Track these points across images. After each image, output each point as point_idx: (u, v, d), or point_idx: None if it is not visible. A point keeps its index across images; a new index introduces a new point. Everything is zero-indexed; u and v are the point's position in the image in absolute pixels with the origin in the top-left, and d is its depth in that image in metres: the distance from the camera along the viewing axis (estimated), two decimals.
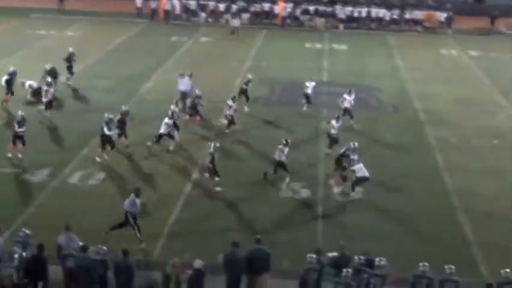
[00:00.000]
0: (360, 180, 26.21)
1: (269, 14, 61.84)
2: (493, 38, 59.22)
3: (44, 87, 33.34)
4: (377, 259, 18.54)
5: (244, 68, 44.43)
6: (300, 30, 58.85)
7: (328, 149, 29.83)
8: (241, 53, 49.03)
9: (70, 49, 39.33)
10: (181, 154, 29.70)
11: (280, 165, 27.25)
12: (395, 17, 61.87)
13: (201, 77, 37.22)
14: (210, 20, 60.67)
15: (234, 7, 61.00)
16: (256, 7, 61.97)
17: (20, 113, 28.67)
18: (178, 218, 24.09)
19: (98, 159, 28.39)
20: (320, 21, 60.21)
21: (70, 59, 38.82)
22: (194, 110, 32.87)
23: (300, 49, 51.80)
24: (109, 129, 28.38)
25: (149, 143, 29.67)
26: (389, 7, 62.80)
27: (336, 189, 26.71)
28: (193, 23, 59.51)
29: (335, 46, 53.25)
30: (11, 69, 35.31)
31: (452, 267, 18.38)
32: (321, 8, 61.57)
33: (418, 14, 62.20)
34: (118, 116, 29.52)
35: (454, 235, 23.80)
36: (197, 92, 33.46)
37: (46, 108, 33.00)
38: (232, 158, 29.53)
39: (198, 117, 32.96)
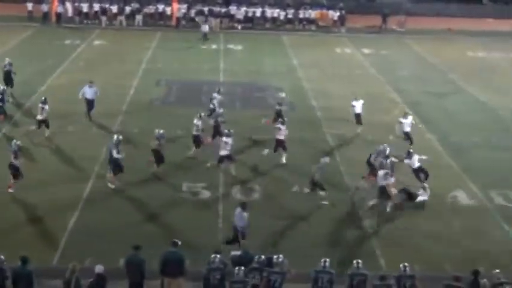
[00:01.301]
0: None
1: (163, 16, 61.43)
2: (385, 36, 60.49)
3: (40, 105, 31.13)
4: (275, 256, 18.55)
5: (140, 70, 44.01)
6: (195, 31, 58.66)
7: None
8: (136, 55, 48.50)
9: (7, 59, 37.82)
10: (80, 158, 29.15)
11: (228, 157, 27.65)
12: (290, 16, 62.48)
13: (95, 80, 36.57)
14: (107, 22, 59.82)
15: (128, 9, 60.33)
16: (150, 9, 61.47)
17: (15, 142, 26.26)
18: (77, 223, 23.56)
19: (111, 185, 26.53)
20: (214, 22, 60.17)
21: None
22: (216, 130, 30.68)
23: (195, 50, 51.67)
24: (118, 152, 26.41)
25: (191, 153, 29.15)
26: (283, 7, 63.33)
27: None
28: (87, 26, 58.65)
29: (231, 46, 53.33)
30: (2, 87, 33.79)
31: (360, 261, 18.59)
32: (216, 8, 61.53)
33: (312, 14, 62.94)
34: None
35: (354, 230, 24.07)
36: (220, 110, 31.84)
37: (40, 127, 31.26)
38: (139, 159, 29.14)
39: (209, 139, 30.68)
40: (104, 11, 59.61)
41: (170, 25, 60.18)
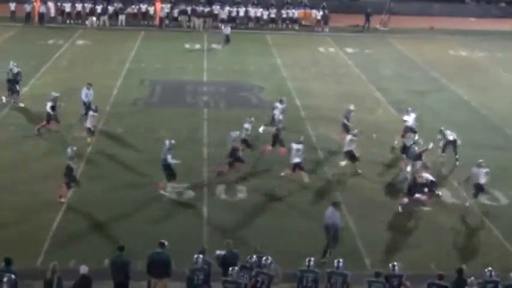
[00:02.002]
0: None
1: (146, 15, 61.27)
2: (368, 35, 60.63)
3: (91, 113, 30.97)
4: (264, 257, 18.57)
5: (123, 70, 43.91)
6: (178, 30, 58.62)
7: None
8: (119, 55, 48.37)
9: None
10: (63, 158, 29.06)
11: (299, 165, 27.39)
12: (273, 16, 62.48)
13: (78, 80, 36.51)
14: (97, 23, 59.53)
15: (111, 8, 60.12)
16: (133, 8, 61.29)
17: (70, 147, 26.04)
18: (61, 223, 23.49)
19: (164, 192, 26.24)
20: (198, 22, 60.08)
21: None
22: (276, 139, 30.27)
23: (179, 50, 51.56)
24: (173, 157, 25.96)
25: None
26: (267, 6, 63.36)
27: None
28: (70, 25, 58.48)
29: (214, 46, 53.26)
30: (55, 94, 32.96)
31: (341, 260, 18.62)
32: (199, 8, 61.43)
33: (295, 13, 62.99)
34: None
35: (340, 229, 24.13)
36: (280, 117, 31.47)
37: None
38: (116, 160, 29.14)
39: (269, 147, 30.41)
40: (92, 12, 59.26)
41: (154, 25, 60.04)
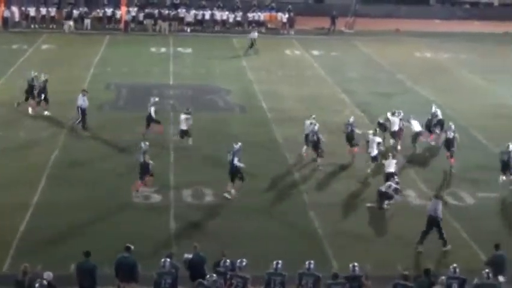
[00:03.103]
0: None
1: (112, 19, 60.93)
2: (334, 38, 60.84)
3: (183, 115, 31.53)
4: (238, 260, 18.53)
5: (89, 74, 43.64)
6: (144, 34, 58.42)
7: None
8: (85, 59, 48.04)
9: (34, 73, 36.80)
10: (30, 162, 28.89)
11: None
12: (239, 19, 62.49)
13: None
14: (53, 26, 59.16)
15: (76, 12, 59.75)
16: (98, 12, 60.90)
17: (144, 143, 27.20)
18: (28, 228, 23.31)
19: (227, 195, 26.44)
20: (164, 25, 59.91)
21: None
22: (315, 146, 30.37)
23: (145, 53, 51.37)
24: (239, 160, 26.22)
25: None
26: (233, 10, 63.34)
27: None
28: (35, 30, 58.04)
29: (180, 49, 53.15)
30: (156, 99, 33.61)
31: (312, 262, 18.65)
32: (165, 11, 61.22)
33: (261, 16, 63.05)
34: None
35: (306, 230, 24.21)
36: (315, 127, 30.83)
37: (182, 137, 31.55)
38: (83, 165, 28.97)
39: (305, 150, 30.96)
40: (69, 16, 58.84)
41: (119, 29, 59.75)
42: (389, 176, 26.86)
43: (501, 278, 19.82)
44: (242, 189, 26.61)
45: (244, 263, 18.47)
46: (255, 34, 54.27)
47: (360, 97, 40.83)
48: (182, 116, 31.58)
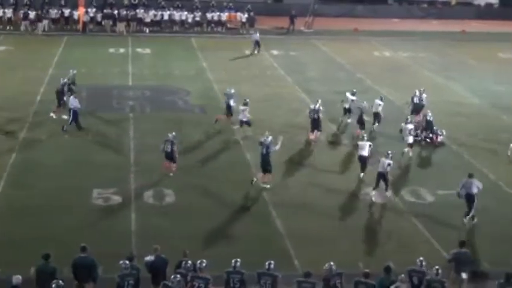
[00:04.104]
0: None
1: (69, 20, 60.31)
2: (293, 37, 60.94)
3: (241, 107, 33.27)
4: (198, 261, 18.41)
5: (47, 76, 43.13)
6: (102, 35, 57.96)
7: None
8: (42, 61, 47.52)
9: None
10: None
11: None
12: (198, 19, 62.28)
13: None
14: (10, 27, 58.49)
15: (32, 13, 59.05)
16: (55, 13, 60.22)
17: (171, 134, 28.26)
18: None
19: (265, 185, 27.59)
20: (122, 26, 59.49)
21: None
22: (361, 123, 33.55)
23: (103, 54, 51.00)
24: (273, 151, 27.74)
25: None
26: (191, 10, 63.15)
27: None
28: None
29: (139, 50, 52.83)
30: (232, 90, 34.89)
31: (272, 262, 18.58)
32: (123, 12, 60.77)
33: (220, 16, 62.92)
34: None
35: (268, 230, 24.17)
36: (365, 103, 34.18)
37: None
38: (40, 167, 28.68)
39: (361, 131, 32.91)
40: (40, 18, 58.13)
41: (77, 29, 59.20)
42: (362, 160, 28.64)
43: (464, 275, 19.98)
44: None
45: (204, 264, 18.35)
46: (256, 35, 54.14)
47: (321, 96, 40.63)
48: (241, 107, 33.24)
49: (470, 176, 25.27)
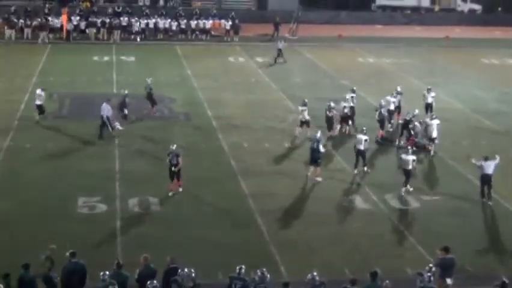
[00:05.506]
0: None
1: (53, 28, 60.13)
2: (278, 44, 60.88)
3: (300, 107, 34.21)
4: (186, 270, 18.34)
5: (31, 84, 42.94)
6: (86, 43, 57.87)
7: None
8: (26, 69, 47.35)
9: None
10: None
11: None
12: (182, 27, 62.30)
13: None
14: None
15: (21, 22, 58.84)
16: (39, 21, 59.98)
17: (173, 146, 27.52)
18: None
19: (319, 179, 28.93)
20: (106, 34, 59.35)
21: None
22: (381, 124, 34.77)
23: (88, 62, 50.89)
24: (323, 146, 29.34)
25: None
26: (176, 17, 63.15)
27: None
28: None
29: (123, 58, 52.77)
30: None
31: (243, 267, 18.58)
32: (108, 20, 60.65)
33: (205, 24, 62.95)
34: None
35: (254, 237, 24.13)
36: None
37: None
38: (24, 176, 28.56)
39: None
40: (42, 27, 57.87)
41: (61, 37, 59.05)
42: (358, 154, 29.71)
43: (449, 281, 20.02)
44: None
45: (193, 274, 18.30)
46: (281, 43, 53.98)
47: None
48: (300, 108, 34.13)
49: (486, 158, 27.03)
